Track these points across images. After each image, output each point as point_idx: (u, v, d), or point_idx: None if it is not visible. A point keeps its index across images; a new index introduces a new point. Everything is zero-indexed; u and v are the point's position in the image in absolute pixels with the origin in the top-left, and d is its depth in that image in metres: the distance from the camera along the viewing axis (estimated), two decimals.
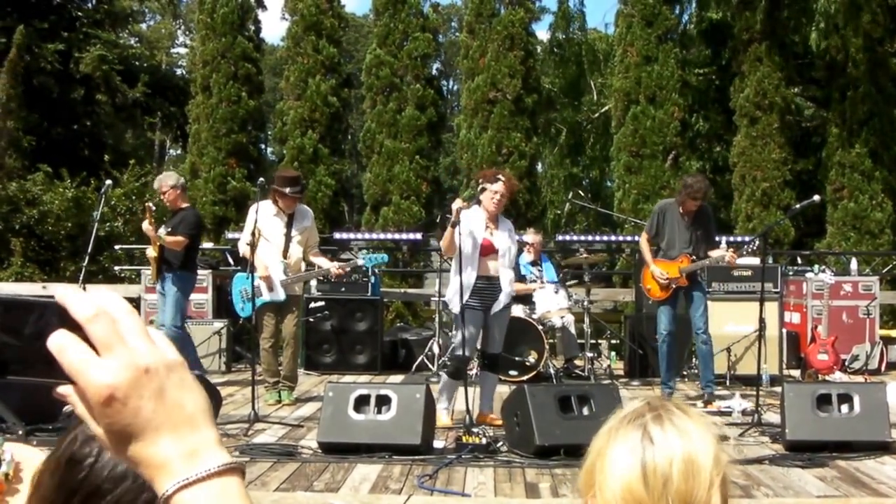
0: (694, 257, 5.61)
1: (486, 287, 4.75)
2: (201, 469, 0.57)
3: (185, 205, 6.12)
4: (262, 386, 5.67)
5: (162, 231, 5.89)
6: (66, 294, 0.57)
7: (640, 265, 7.73)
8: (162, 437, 0.57)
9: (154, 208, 5.99)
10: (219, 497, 0.57)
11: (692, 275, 5.64)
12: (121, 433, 0.56)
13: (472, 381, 5.32)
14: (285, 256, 5.58)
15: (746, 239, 6.82)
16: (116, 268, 10.38)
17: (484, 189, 4.81)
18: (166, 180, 6.16)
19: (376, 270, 7.83)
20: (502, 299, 4.83)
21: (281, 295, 5.53)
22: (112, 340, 0.56)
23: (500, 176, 4.86)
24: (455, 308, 4.74)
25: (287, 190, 5.49)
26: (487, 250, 4.74)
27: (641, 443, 0.87)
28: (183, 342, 5.98)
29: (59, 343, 0.56)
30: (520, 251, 7.61)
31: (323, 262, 5.71)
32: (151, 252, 6.02)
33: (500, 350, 5.00)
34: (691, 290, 5.67)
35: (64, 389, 0.58)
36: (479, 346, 4.97)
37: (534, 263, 7.21)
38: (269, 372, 5.69)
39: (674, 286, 5.61)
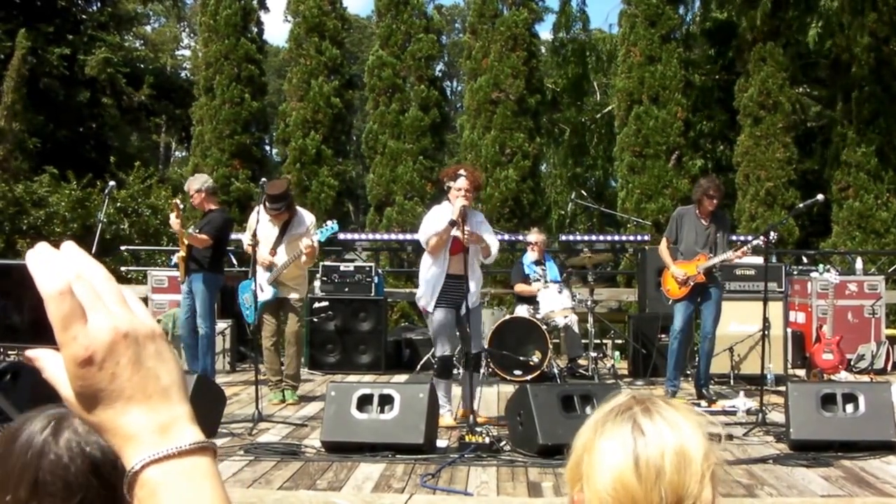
0: (711, 255, 5.67)
1: (455, 285, 4.70)
2: (172, 445, 0.55)
3: (213, 207, 6.20)
4: (266, 385, 5.68)
5: (190, 230, 5.99)
6: (35, 265, 0.54)
7: (644, 265, 7.73)
8: (133, 407, 0.55)
9: (182, 206, 6.07)
10: (190, 475, 0.55)
11: (709, 273, 5.67)
12: (93, 397, 0.54)
13: (458, 378, 5.32)
14: (273, 255, 5.59)
15: (749, 238, 6.81)
16: (122, 269, 10.42)
17: (449, 188, 4.77)
18: (192, 184, 6.24)
19: (380, 271, 7.84)
20: (472, 298, 4.78)
21: (269, 294, 5.56)
22: (92, 302, 0.54)
23: (461, 171, 4.79)
24: (429, 307, 4.78)
25: (268, 205, 5.52)
26: (456, 248, 4.69)
27: (632, 435, 0.87)
28: (208, 343, 6.13)
29: (59, 288, 0.53)
30: (523, 251, 7.61)
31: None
32: (181, 253, 6.13)
33: (479, 348, 5.03)
34: (708, 288, 5.72)
35: (32, 353, 0.57)
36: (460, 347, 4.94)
37: (537, 263, 7.21)
38: (271, 371, 5.72)
39: (692, 283, 5.65)
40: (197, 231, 5.95)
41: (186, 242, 5.94)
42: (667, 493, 0.84)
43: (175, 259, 6.30)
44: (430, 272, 4.82)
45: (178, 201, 6.09)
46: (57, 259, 0.55)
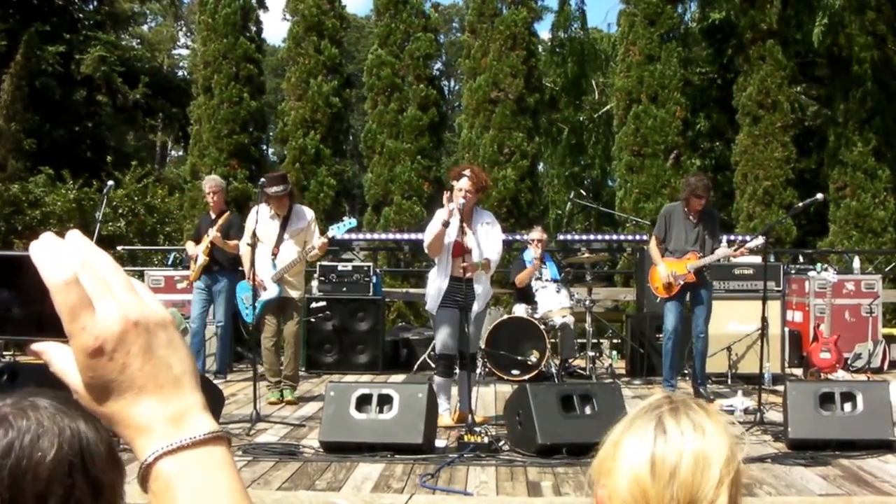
0: (701, 254, 5.65)
1: (458, 288, 4.67)
2: (186, 436, 0.53)
3: (225, 207, 6.68)
4: (264, 385, 5.67)
5: (213, 231, 6.27)
6: (40, 256, 0.53)
7: (642, 264, 7.73)
8: (145, 398, 0.53)
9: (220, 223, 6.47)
10: (204, 465, 0.54)
11: (699, 272, 5.66)
12: (103, 389, 0.53)
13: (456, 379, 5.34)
14: (275, 254, 5.55)
15: (747, 238, 6.81)
16: None
17: (452, 188, 4.75)
18: (220, 182, 6.78)
19: (377, 271, 7.84)
20: (478, 304, 4.80)
21: (273, 292, 5.50)
22: (100, 291, 0.53)
23: (465, 172, 4.75)
24: (432, 309, 4.81)
25: (271, 190, 5.46)
26: (458, 251, 4.69)
27: (654, 433, 0.87)
28: (227, 337, 6.63)
29: (66, 278, 0.52)
30: (521, 249, 7.61)
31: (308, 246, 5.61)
32: (203, 253, 6.41)
33: (476, 349, 5.08)
34: (698, 288, 5.70)
35: (38, 346, 0.56)
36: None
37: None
38: (270, 371, 5.69)
39: (681, 282, 5.63)
40: (217, 233, 6.24)
41: (208, 245, 6.31)
42: (679, 494, 0.83)
43: (198, 261, 6.47)
44: (435, 277, 4.85)
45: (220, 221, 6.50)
46: (62, 249, 0.54)
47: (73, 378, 0.54)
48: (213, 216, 6.56)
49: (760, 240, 5.54)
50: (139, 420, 0.53)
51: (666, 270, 5.64)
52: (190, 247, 6.69)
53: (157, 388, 0.53)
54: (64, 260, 0.53)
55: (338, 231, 5.43)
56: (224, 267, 6.41)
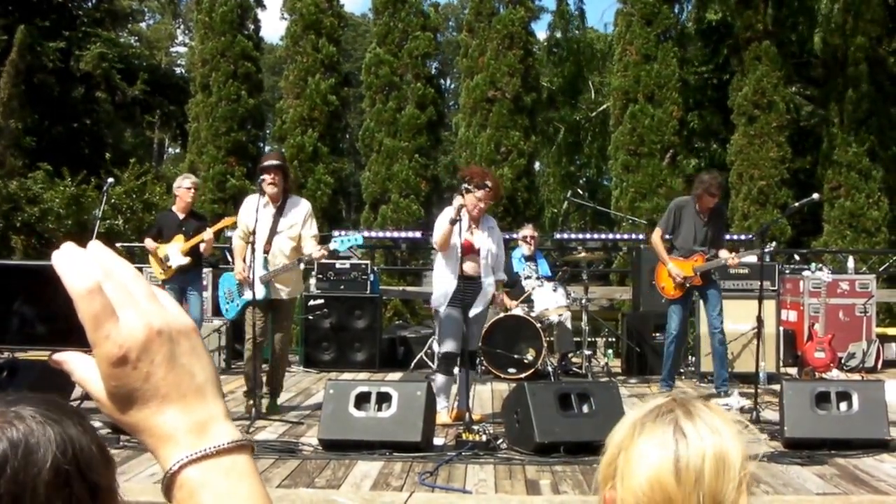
0: (708, 255, 5.64)
1: (466, 287, 4.76)
2: (210, 444, 0.54)
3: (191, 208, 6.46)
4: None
5: (209, 232, 5.96)
6: (63, 265, 0.53)
7: (638, 264, 7.75)
8: (168, 407, 0.53)
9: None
10: (228, 474, 0.54)
11: (706, 274, 5.66)
12: (127, 398, 0.53)
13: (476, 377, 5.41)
14: (267, 251, 5.07)
15: (750, 237, 6.85)
16: None
17: (469, 190, 4.78)
18: (193, 180, 6.54)
19: (375, 268, 7.85)
20: (480, 303, 4.88)
21: (259, 293, 5.01)
22: (123, 300, 0.53)
23: (487, 182, 4.81)
24: (440, 308, 4.84)
25: (266, 163, 5.16)
26: (467, 250, 4.78)
27: (674, 437, 0.87)
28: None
29: (89, 286, 0.52)
30: (516, 245, 7.63)
31: (306, 249, 5.12)
32: (181, 253, 6.15)
33: (476, 346, 5.17)
34: (706, 288, 5.70)
35: (60, 356, 0.56)
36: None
37: (529, 258, 7.23)
38: (246, 377, 5.20)
39: (688, 285, 5.63)
40: (212, 235, 5.99)
41: (190, 247, 6.09)
42: (705, 497, 0.84)
43: (173, 261, 6.28)
44: (442, 274, 4.88)
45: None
46: (84, 258, 0.54)
47: (95, 387, 0.54)
48: (182, 216, 6.21)
49: (769, 248, 5.58)
50: (163, 429, 0.53)
51: (678, 271, 5.60)
52: (149, 242, 6.25)
53: (181, 397, 0.54)
54: (86, 269, 0.53)
55: (340, 245, 5.13)
56: (200, 264, 6.33)
